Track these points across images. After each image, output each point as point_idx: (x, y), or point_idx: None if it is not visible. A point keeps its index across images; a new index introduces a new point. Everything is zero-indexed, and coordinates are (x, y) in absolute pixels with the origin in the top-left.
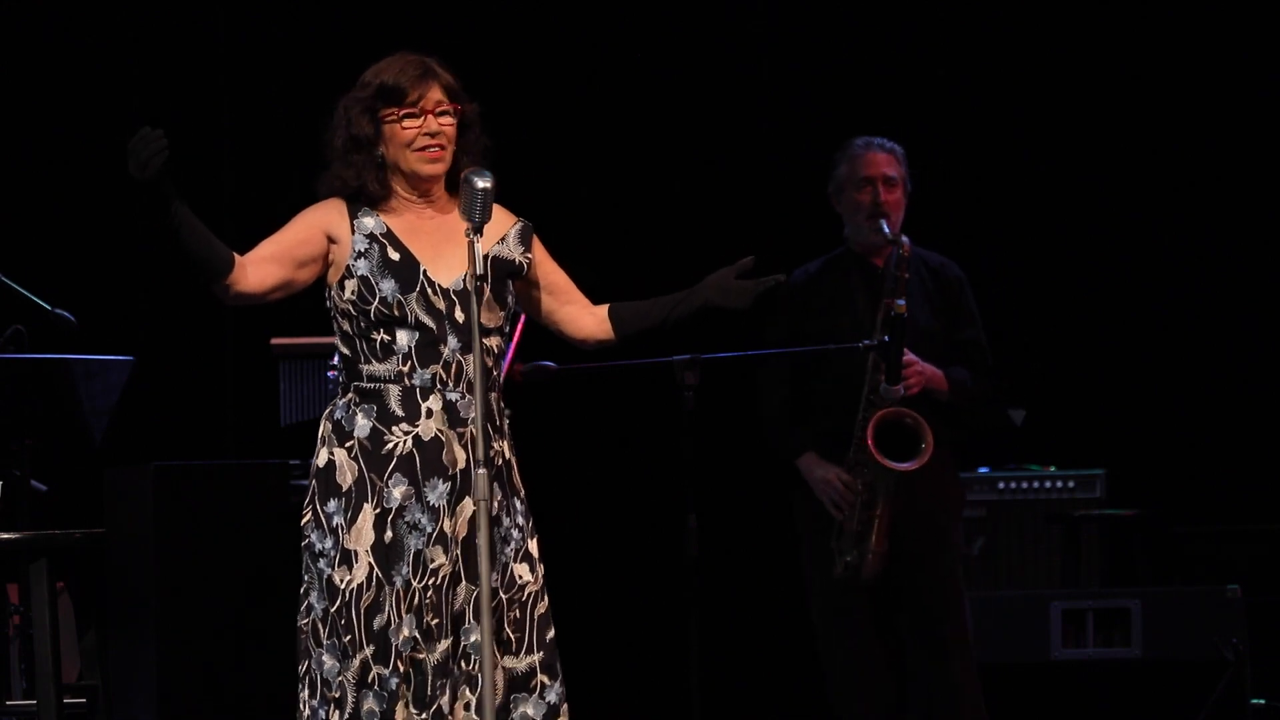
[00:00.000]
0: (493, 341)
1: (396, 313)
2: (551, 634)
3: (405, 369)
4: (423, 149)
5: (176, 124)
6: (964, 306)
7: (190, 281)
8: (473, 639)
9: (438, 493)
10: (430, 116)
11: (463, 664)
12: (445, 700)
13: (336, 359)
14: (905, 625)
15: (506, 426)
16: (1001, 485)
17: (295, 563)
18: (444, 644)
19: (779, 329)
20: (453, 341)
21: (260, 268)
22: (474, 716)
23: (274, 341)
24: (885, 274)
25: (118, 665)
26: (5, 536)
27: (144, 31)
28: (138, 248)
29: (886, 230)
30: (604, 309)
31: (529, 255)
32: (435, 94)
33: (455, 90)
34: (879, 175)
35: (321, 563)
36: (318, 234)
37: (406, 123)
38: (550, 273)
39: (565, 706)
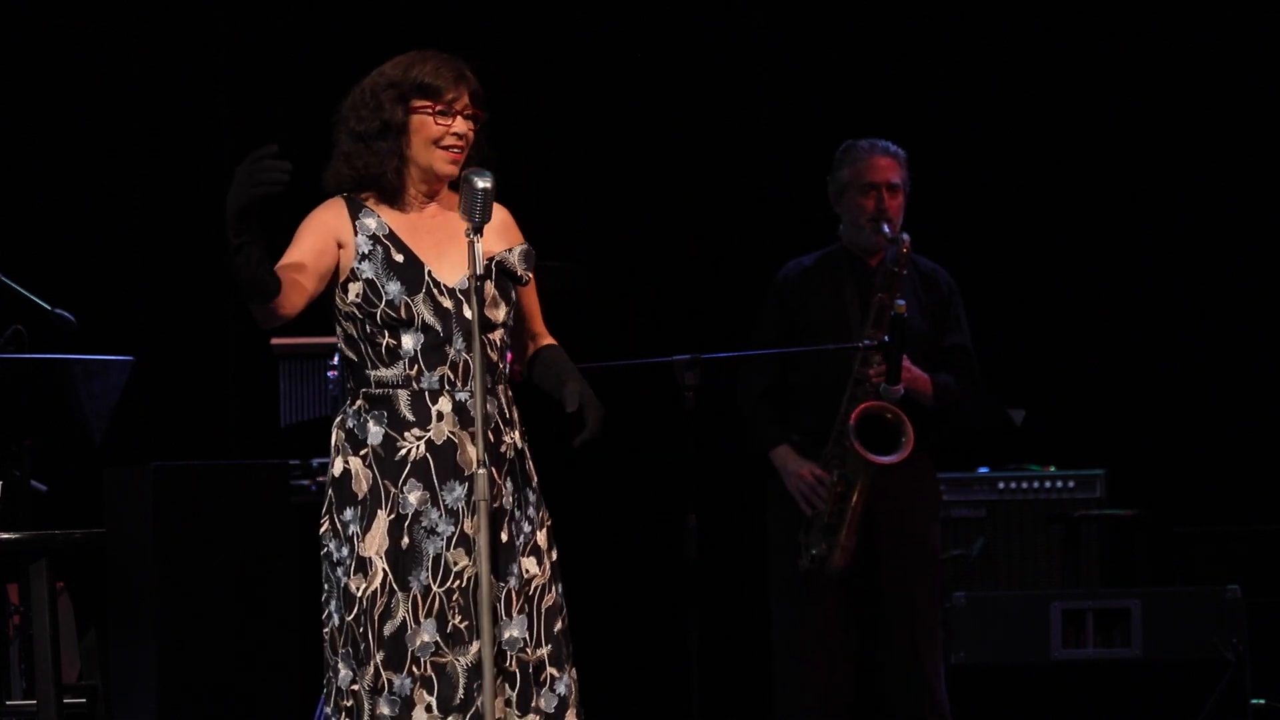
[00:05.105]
0: (496, 336)
1: (403, 315)
2: (559, 625)
3: (413, 373)
4: (447, 148)
5: (176, 123)
6: (952, 313)
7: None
8: (506, 635)
9: (455, 495)
10: (460, 118)
11: (498, 661)
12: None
13: (336, 358)
14: (877, 624)
15: (516, 415)
16: (1001, 485)
17: (295, 563)
18: (476, 646)
19: (770, 321)
20: (459, 341)
21: (296, 288)
22: (515, 712)
23: (274, 341)
24: (880, 269)
25: (118, 665)
26: (5, 536)
27: (144, 30)
28: (137, 248)
29: (887, 230)
30: (535, 348)
31: (529, 272)
32: (466, 98)
33: (480, 98)
34: (884, 181)
35: (339, 571)
36: (330, 243)
37: (439, 119)
38: (528, 295)
39: (575, 696)
